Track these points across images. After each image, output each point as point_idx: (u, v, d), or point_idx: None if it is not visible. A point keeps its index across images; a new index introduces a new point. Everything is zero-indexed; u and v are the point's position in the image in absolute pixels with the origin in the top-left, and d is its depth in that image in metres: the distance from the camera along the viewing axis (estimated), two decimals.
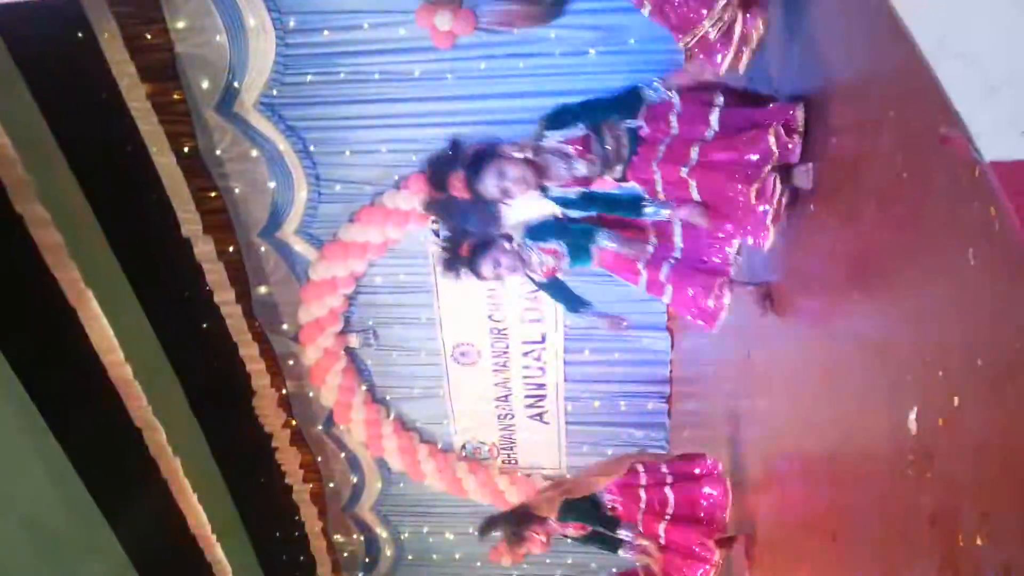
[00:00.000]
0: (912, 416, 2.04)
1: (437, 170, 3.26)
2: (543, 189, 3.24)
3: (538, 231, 3.53)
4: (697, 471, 4.45)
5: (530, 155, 3.17)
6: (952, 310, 1.87)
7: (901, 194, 2.15)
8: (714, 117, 3.05)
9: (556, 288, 3.79)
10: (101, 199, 6.37)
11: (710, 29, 2.92)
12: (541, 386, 7.94)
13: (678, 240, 3.55)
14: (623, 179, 3.26)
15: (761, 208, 3.03)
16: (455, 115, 6.45)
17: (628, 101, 3.14)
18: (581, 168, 3.13)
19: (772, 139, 2.88)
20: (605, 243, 3.54)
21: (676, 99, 3.11)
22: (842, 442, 2.74)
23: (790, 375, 3.49)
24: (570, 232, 3.56)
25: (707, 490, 4.37)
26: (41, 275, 5.88)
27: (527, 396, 8.03)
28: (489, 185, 3.13)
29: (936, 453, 1.94)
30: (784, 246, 3.38)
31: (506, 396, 8.05)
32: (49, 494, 6.32)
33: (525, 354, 7.74)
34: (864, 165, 2.46)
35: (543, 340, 7.62)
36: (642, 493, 4.29)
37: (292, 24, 6.18)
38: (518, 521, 4.23)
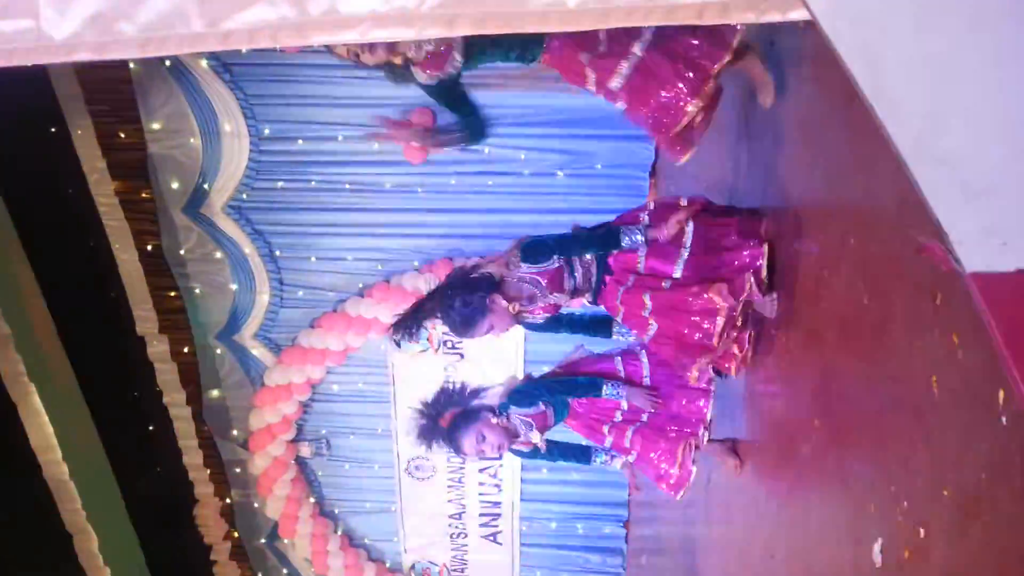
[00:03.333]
0: (877, 548, 2.00)
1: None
2: (519, 318, 3.19)
3: (522, 397, 3.42)
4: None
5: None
6: (917, 439, 1.86)
7: (862, 321, 2.17)
8: (680, 263, 3.05)
9: (557, 453, 3.67)
10: (56, 292, 6.26)
11: (694, 112, 2.98)
12: (496, 504, 7.73)
13: (646, 372, 3.51)
14: (594, 303, 3.26)
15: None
16: (423, 227, 6.53)
17: (606, 240, 3.15)
18: (553, 298, 3.13)
19: (719, 301, 2.92)
20: (608, 392, 3.45)
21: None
22: (804, 573, 2.67)
23: (750, 502, 3.44)
24: (548, 388, 3.51)
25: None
26: None
27: (481, 514, 7.80)
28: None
29: None
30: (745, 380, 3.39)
31: (460, 514, 7.82)
32: None
33: (481, 470, 7.56)
34: (824, 292, 2.50)
35: (500, 457, 7.46)
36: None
37: (267, 132, 6.28)
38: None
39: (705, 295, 2.93)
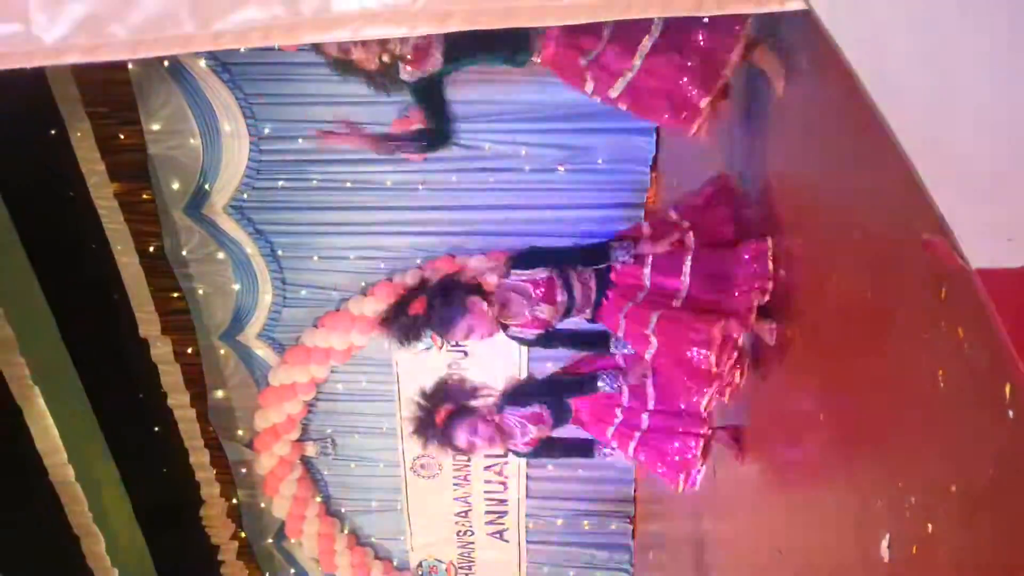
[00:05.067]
0: (884, 544, 1.98)
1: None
2: (503, 327, 3.18)
3: (517, 396, 3.42)
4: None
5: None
6: (923, 434, 1.84)
7: (867, 315, 2.15)
8: (686, 271, 3.05)
9: (551, 449, 3.70)
10: (58, 295, 6.26)
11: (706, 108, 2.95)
12: (503, 502, 7.72)
13: (650, 394, 3.51)
14: (593, 320, 3.26)
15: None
16: (425, 225, 6.51)
17: (596, 254, 3.15)
18: (541, 311, 3.10)
19: (718, 333, 2.95)
20: (603, 386, 3.49)
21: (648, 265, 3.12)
22: (811, 569, 2.66)
23: (757, 498, 3.42)
24: (545, 387, 3.53)
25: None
26: None
27: (487, 512, 7.79)
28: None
29: None
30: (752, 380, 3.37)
31: (466, 512, 7.81)
32: None
33: (487, 468, 7.55)
34: (829, 286, 2.48)
35: (506, 454, 7.46)
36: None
37: (267, 131, 6.26)
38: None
39: (712, 328, 2.94)
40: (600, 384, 3.44)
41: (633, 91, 2.97)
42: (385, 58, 2.89)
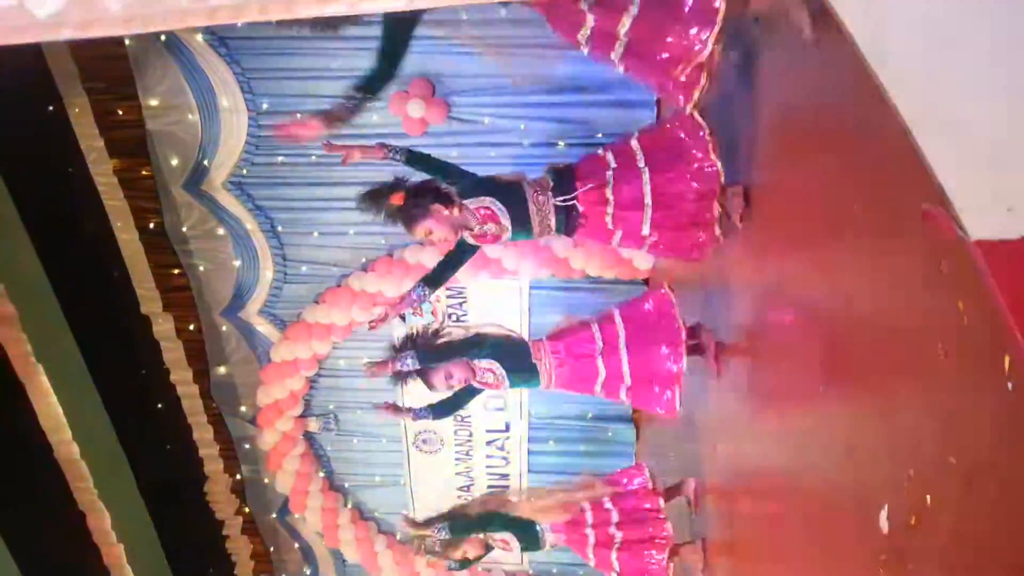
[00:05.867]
0: (883, 515, 1.99)
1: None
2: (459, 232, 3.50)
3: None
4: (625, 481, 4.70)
5: (457, 218, 3.51)
6: (922, 406, 1.84)
7: (867, 288, 2.15)
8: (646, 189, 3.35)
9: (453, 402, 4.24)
10: (60, 272, 6.25)
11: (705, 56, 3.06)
12: (504, 476, 7.77)
13: (621, 334, 3.89)
14: (572, 236, 3.58)
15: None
16: None
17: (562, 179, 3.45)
18: (489, 228, 3.45)
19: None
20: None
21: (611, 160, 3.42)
22: (811, 541, 2.67)
23: (757, 470, 3.44)
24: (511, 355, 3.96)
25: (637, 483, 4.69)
26: None
27: (490, 486, 7.83)
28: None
29: (909, 553, 1.88)
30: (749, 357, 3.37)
31: (468, 486, 7.86)
32: None
33: (489, 443, 7.59)
34: (830, 256, 2.47)
35: (507, 429, 7.49)
36: (589, 532, 4.52)
37: (265, 106, 6.22)
38: (453, 522, 4.47)
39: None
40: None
41: (636, 34, 3.05)
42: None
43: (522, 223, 3.42)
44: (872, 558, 2.03)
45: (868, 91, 1.42)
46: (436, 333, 4.02)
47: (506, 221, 3.39)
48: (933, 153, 1.21)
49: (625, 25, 3.01)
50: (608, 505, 4.60)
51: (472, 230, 3.44)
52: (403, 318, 3.77)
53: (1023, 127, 1.19)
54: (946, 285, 1.68)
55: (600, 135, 6.18)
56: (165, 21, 1.40)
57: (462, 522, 4.48)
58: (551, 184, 3.43)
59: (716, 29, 2.99)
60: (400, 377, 3.90)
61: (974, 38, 1.17)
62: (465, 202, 3.39)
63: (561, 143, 6.24)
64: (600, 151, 3.56)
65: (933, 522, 1.78)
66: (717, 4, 2.98)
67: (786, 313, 2.94)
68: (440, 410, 4.40)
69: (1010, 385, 1.45)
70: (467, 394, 4.21)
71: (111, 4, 1.38)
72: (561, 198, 3.38)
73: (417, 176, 3.51)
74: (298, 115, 3.53)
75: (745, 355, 3.53)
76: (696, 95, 3.22)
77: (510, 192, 3.42)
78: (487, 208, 3.39)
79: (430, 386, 3.94)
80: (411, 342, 3.96)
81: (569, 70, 5.88)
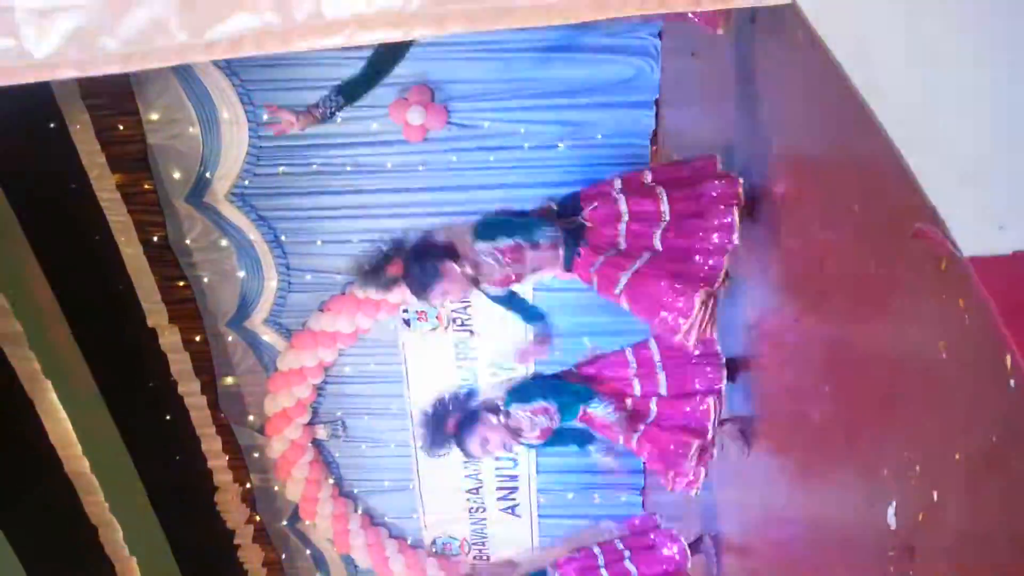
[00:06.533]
0: (891, 511, 2.01)
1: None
2: (475, 284, 3.27)
3: (522, 393, 3.52)
4: (652, 537, 4.51)
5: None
6: (927, 404, 1.86)
7: (869, 288, 2.17)
8: (657, 236, 3.18)
9: (558, 440, 3.77)
10: (65, 288, 6.28)
11: None
12: (513, 478, 7.78)
13: (657, 359, 3.62)
14: (569, 271, 3.33)
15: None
16: (426, 206, 6.49)
17: (567, 208, 3.32)
18: (512, 268, 3.20)
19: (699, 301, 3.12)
20: (596, 408, 3.58)
21: (623, 204, 3.22)
22: (820, 538, 2.69)
23: (765, 469, 3.45)
24: (557, 391, 3.59)
25: (666, 552, 4.42)
26: None
27: (499, 488, 7.85)
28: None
29: (917, 548, 1.91)
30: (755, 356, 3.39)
31: (477, 489, 7.87)
32: None
33: None
34: (830, 259, 2.49)
35: (510, 449, 7.50)
36: (603, 573, 4.33)
37: (265, 117, 6.23)
38: None
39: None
40: (594, 405, 3.55)
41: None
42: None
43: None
44: (881, 554, 2.06)
45: (858, 113, 1.44)
46: (468, 396, 3.65)
47: (532, 252, 3.17)
48: (923, 174, 1.23)
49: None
50: (620, 546, 4.50)
51: (492, 276, 3.20)
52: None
53: (1009, 146, 1.21)
54: (948, 284, 1.70)
55: (599, 136, 6.21)
56: (163, 58, 1.42)
57: None
58: (555, 210, 3.30)
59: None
60: (437, 444, 3.55)
61: (960, 60, 1.19)
62: (478, 245, 3.15)
63: (561, 145, 6.26)
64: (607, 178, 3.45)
65: (940, 517, 1.80)
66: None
67: (790, 315, 2.96)
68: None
69: (1012, 382, 1.47)
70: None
71: (108, 42, 1.39)
72: (566, 221, 3.25)
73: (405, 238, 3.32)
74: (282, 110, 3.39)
75: (752, 361, 3.54)
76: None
77: (534, 226, 3.23)
78: (511, 250, 3.16)
79: (468, 454, 3.61)
80: (444, 405, 3.58)
81: (568, 73, 5.90)
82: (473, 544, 8.21)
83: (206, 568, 7.89)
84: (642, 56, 5.85)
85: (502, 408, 3.47)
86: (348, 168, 6.42)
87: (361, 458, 7.81)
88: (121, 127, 6.13)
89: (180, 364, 6.96)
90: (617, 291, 3.17)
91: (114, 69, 1.40)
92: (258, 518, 8.01)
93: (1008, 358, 1.46)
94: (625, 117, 6.10)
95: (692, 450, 3.58)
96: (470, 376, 7.08)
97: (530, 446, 3.76)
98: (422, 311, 6.85)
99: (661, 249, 3.16)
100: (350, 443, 7.70)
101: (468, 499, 7.93)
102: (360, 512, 8.05)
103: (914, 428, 1.92)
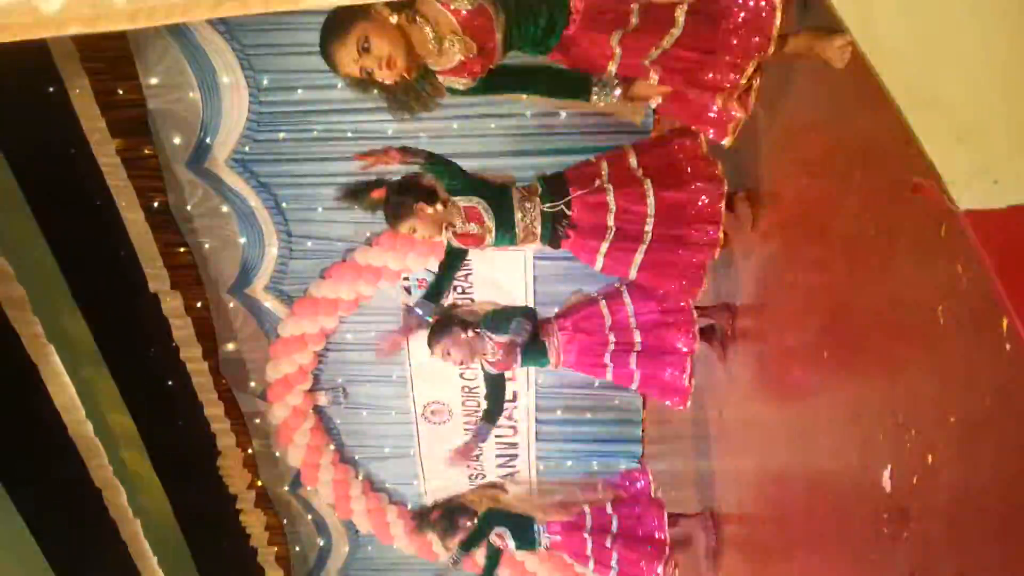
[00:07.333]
0: (886, 474, 2.04)
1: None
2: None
3: (498, 323, 3.79)
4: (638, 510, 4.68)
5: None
6: (923, 367, 1.88)
7: (869, 253, 2.17)
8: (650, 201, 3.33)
9: (493, 386, 4.08)
10: (67, 254, 6.29)
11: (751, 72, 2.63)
12: (513, 445, 7.84)
13: (630, 311, 3.83)
14: (556, 247, 3.53)
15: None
16: None
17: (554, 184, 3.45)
18: (471, 228, 3.44)
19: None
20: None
21: (611, 197, 3.36)
22: (816, 501, 2.72)
23: (762, 434, 3.48)
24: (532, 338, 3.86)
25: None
26: (2, 330, 5.77)
27: (498, 455, 7.92)
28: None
29: (912, 511, 1.93)
30: (754, 318, 3.40)
31: (477, 455, 7.93)
32: (1, 557, 6.09)
33: None
34: (831, 224, 2.50)
35: (515, 399, 7.55)
36: (587, 537, 4.52)
37: (266, 82, 6.21)
38: (451, 513, 4.51)
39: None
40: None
41: (667, 61, 2.69)
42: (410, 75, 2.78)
43: (506, 227, 3.40)
44: (876, 516, 2.08)
45: (860, 69, 1.43)
46: (452, 307, 4.00)
47: (490, 222, 3.39)
48: (921, 129, 1.24)
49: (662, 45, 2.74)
50: (609, 510, 4.61)
51: (455, 228, 3.44)
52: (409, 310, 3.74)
53: (1005, 102, 1.21)
54: (945, 249, 1.71)
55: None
56: (169, 15, 1.41)
57: (460, 512, 4.51)
58: (540, 190, 3.40)
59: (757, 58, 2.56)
60: (410, 329, 3.78)
61: (959, 17, 1.19)
62: (453, 199, 3.40)
63: (563, 113, 6.23)
64: (592, 158, 3.54)
65: (934, 480, 1.82)
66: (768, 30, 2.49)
67: (790, 281, 2.97)
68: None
69: (1008, 346, 1.49)
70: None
71: None
72: (549, 204, 3.37)
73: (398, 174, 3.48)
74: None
75: (751, 326, 3.56)
76: (732, 128, 2.85)
77: (499, 194, 3.42)
78: (473, 207, 3.40)
79: (431, 348, 3.82)
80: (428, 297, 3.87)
81: None
82: None
83: (209, 531, 7.99)
84: None
85: (473, 328, 3.74)
86: (349, 134, 6.38)
87: (362, 424, 7.87)
88: (121, 92, 6.09)
89: (182, 330, 6.98)
90: (632, 274, 3.47)
91: (122, 26, 1.39)
92: (260, 483, 8.09)
93: (1004, 321, 1.47)
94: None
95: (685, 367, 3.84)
96: None
97: (485, 374, 4.02)
98: (422, 279, 6.86)
99: (652, 237, 3.36)
100: (351, 410, 7.75)
101: (468, 465, 7.99)
102: (361, 478, 8.13)
103: (911, 391, 1.93)
